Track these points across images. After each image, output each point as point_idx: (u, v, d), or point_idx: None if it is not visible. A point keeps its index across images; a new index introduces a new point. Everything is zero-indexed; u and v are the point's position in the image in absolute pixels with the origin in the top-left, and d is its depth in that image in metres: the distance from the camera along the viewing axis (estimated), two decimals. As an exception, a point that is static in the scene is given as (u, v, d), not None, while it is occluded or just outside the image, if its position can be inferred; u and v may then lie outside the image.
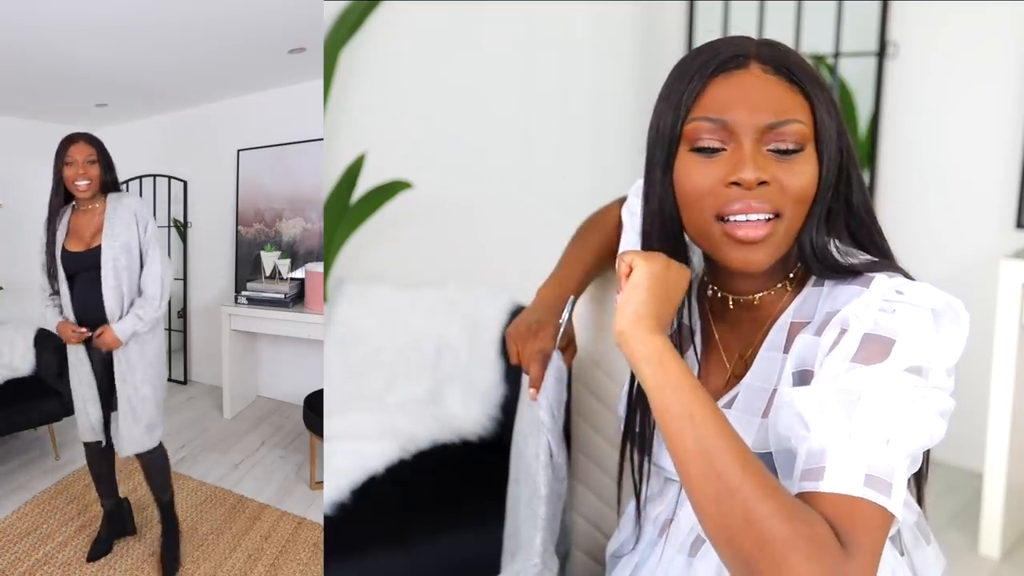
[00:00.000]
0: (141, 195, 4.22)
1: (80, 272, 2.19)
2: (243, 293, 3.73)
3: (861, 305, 0.82)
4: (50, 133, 4.14)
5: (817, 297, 0.90)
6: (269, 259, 3.80)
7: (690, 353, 0.99)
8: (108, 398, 2.27)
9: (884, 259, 0.90)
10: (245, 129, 4.03)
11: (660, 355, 0.80)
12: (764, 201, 0.84)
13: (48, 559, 2.37)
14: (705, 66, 0.87)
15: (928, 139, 2.87)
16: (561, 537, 1.11)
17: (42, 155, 4.05)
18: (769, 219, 0.85)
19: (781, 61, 0.87)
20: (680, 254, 0.93)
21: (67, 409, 3.08)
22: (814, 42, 3.02)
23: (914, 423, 0.76)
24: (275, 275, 3.79)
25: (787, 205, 0.85)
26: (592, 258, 1.21)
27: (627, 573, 1.03)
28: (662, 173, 0.90)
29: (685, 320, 1.00)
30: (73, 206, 2.25)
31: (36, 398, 3.08)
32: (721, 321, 0.98)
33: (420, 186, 2.70)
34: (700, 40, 3.33)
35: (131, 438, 2.22)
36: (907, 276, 0.86)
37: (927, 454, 0.92)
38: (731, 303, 0.96)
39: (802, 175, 0.85)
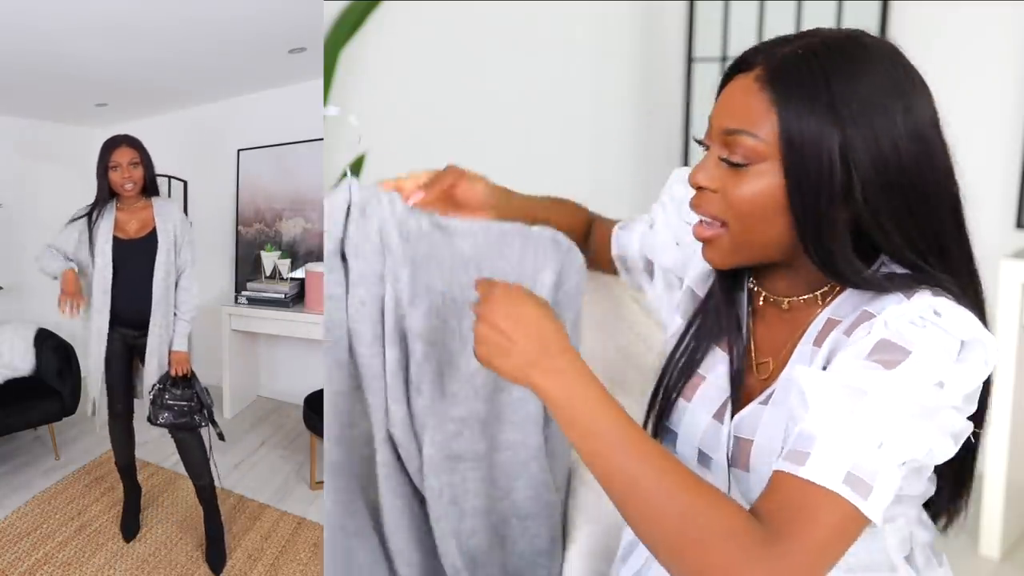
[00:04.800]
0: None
1: (128, 262, 2.31)
2: (243, 293, 3.73)
3: (895, 313, 0.80)
4: (50, 133, 4.16)
5: (859, 298, 0.87)
6: (269, 259, 3.80)
7: (722, 345, 0.97)
8: (131, 386, 2.41)
9: (938, 274, 0.84)
10: (245, 129, 4.02)
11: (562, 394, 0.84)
12: (709, 206, 0.87)
13: (48, 559, 2.37)
14: (730, 65, 0.89)
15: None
16: None
17: (42, 155, 4.07)
18: (717, 224, 0.87)
19: (780, 66, 0.82)
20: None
21: (67, 409, 3.08)
22: (814, 42, 3.01)
23: (914, 434, 0.75)
24: (275, 275, 3.79)
25: (730, 216, 0.86)
26: (543, 207, 1.23)
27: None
28: None
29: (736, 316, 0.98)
30: (114, 203, 2.36)
31: (36, 398, 3.07)
32: (758, 319, 0.97)
33: (420, 186, 2.70)
34: (700, 40, 3.34)
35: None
36: (954, 297, 0.82)
37: (974, 479, 0.93)
38: (762, 301, 0.95)
39: (746, 190, 0.84)
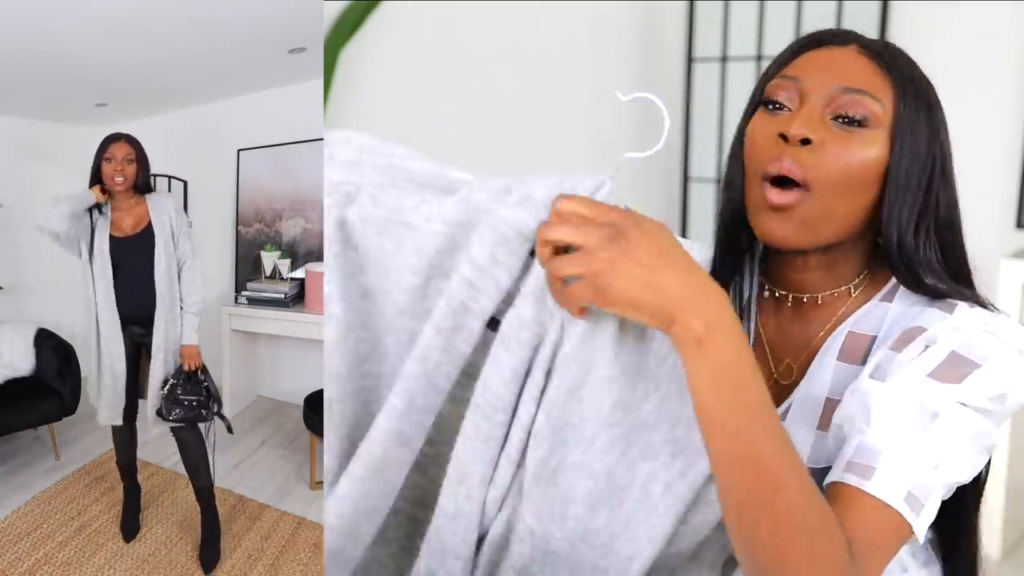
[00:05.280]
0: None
1: (127, 259, 2.32)
2: (243, 293, 3.73)
3: (949, 327, 0.79)
4: (50, 133, 4.16)
5: (884, 312, 0.85)
6: (269, 259, 3.80)
7: None
8: (135, 385, 2.41)
9: (966, 287, 0.85)
10: (245, 129, 4.03)
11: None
12: (800, 164, 0.79)
13: (48, 559, 2.37)
14: (805, 38, 0.87)
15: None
16: None
17: (42, 155, 4.07)
18: (798, 189, 0.80)
19: (882, 48, 0.84)
20: (738, 227, 0.88)
21: (67, 409, 3.08)
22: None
23: (965, 457, 0.76)
24: (275, 275, 3.79)
25: (821, 178, 0.79)
26: None
27: None
28: (740, 130, 0.88)
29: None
30: (109, 204, 2.37)
31: (36, 398, 3.08)
32: (770, 322, 0.92)
33: (420, 186, 2.70)
34: (700, 40, 3.34)
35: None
36: (986, 307, 0.83)
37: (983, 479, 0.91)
38: (789, 302, 0.90)
39: (857, 152, 0.80)
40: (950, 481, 0.76)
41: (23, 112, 3.95)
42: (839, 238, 0.84)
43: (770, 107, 0.85)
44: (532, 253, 0.75)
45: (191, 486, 2.44)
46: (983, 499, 0.93)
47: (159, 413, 2.33)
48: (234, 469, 3.15)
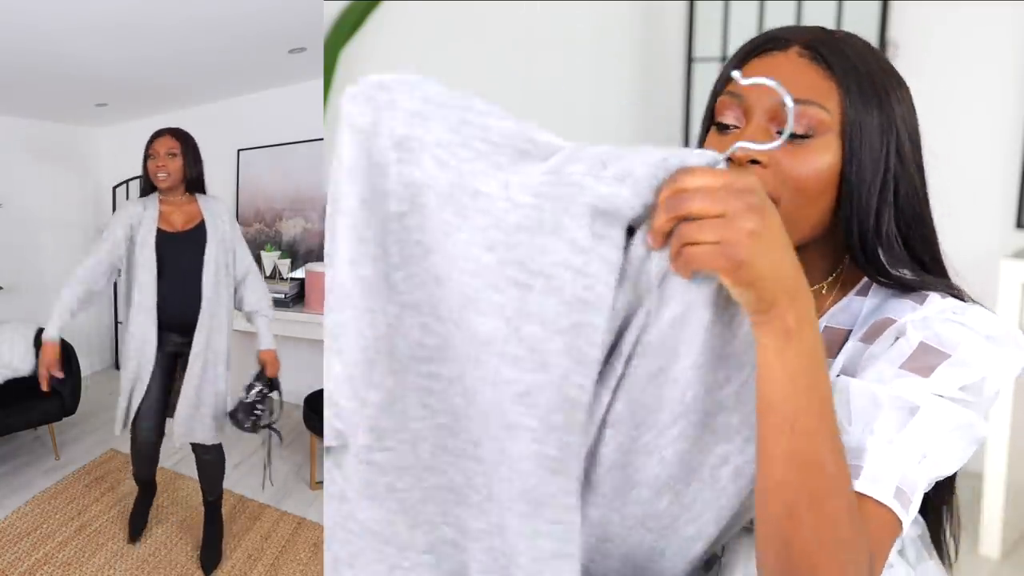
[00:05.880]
0: (141, 195, 4.22)
1: (174, 257, 2.18)
2: (243, 293, 3.73)
3: (919, 317, 0.79)
4: (50, 133, 4.16)
5: (860, 306, 0.86)
6: (269, 259, 3.80)
7: None
8: (166, 399, 2.28)
9: (938, 276, 0.86)
10: (245, 129, 4.02)
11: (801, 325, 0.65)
12: None
13: (48, 559, 2.37)
14: (746, 46, 0.86)
15: (928, 138, 2.87)
16: None
17: (42, 155, 4.07)
18: None
19: (823, 48, 0.82)
20: None
21: (67, 409, 3.08)
22: (814, 42, 3.02)
23: (950, 448, 0.76)
24: (275, 275, 3.79)
25: (783, 191, 0.79)
26: None
27: None
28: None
29: None
30: (157, 195, 2.24)
31: (36, 398, 3.07)
32: None
33: (420, 186, 2.70)
34: (700, 40, 3.34)
35: (203, 427, 2.25)
36: (960, 297, 0.83)
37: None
38: None
39: (808, 164, 0.80)
40: (935, 474, 0.76)
41: (23, 112, 3.95)
42: (804, 240, 0.83)
43: (720, 128, 0.84)
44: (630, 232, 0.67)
45: (200, 495, 2.40)
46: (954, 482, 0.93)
47: (235, 420, 2.23)
48: (234, 469, 3.15)
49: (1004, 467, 2.35)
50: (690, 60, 3.36)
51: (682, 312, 0.67)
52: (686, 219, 0.63)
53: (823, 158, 0.80)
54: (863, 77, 0.82)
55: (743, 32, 3.21)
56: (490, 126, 0.69)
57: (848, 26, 3.00)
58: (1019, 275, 2.30)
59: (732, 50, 3.39)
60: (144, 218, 2.18)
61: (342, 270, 0.73)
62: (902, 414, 0.74)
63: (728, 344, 0.71)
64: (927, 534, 0.94)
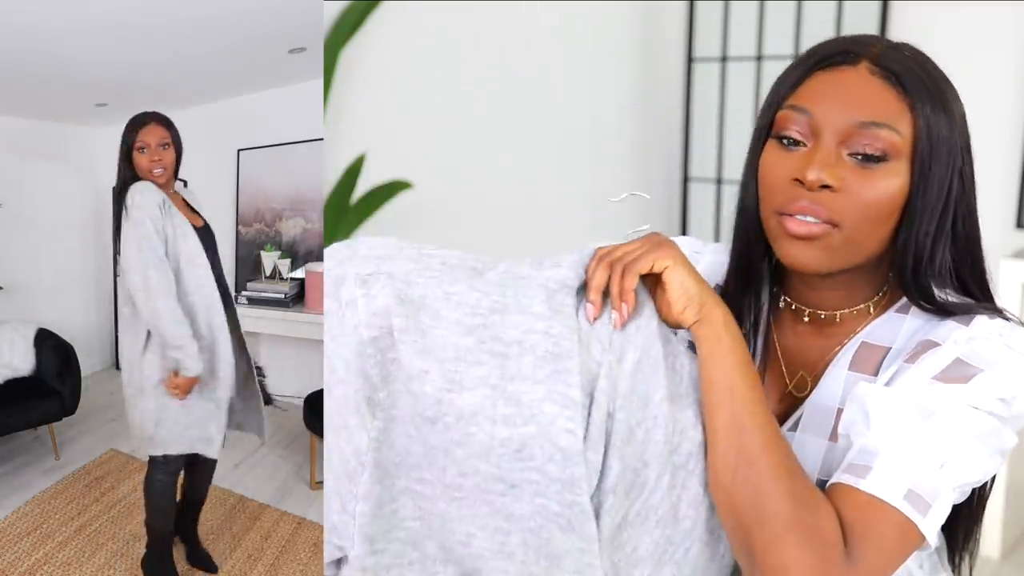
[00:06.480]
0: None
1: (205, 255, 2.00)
2: (243, 293, 3.73)
3: (964, 338, 0.79)
4: (50, 133, 4.15)
5: (899, 323, 0.85)
6: (269, 259, 3.80)
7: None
8: None
9: (984, 299, 0.85)
10: (245, 129, 4.03)
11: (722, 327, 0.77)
12: (822, 206, 0.78)
13: (48, 559, 2.37)
14: (812, 56, 0.84)
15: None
16: None
17: (42, 155, 4.07)
18: (825, 224, 0.79)
19: (895, 65, 0.80)
20: (754, 250, 0.89)
21: (67, 409, 3.09)
22: (814, 42, 3.02)
23: (975, 457, 0.75)
24: (275, 275, 3.79)
25: (850, 217, 0.78)
26: None
27: None
28: (751, 159, 0.87)
29: (747, 327, 0.93)
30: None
31: (36, 398, 3.07)
32: (786, 335, 0.92)
33: (420, 186, 2.70)
34: (700, 40, 3.34)
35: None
36: (1006, 318, 0.83)
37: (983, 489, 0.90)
38: (807, 316, 0.89)
39: (879, 189, 0.78)
40: (960, 482, 0.75)
41: (23, 112, 3.95)
42: (862, 262, 0.83)
43: (783, 141, 0.82)
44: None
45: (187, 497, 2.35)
46: (985, 505, 0.93)
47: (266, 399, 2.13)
48: (234, 469, 3.15)
49: (1004, 467, 2.36)
50: (690, 60, 3.36)
51: (640, 356, 0.76)
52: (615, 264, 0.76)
53: (893, 183, 0.79)
54: (935, 99, 0.80)
55: (743, 32, 3.21)
56: (444, 255, 0.82)
57: (848, 26, 3.01)
58: (1019, 275, 2.30)
59: (732, 50, 3.36)
60: (171, 215, 1.99)
61: (331, 395, 0.82)
62: (919, 419, 0.74)
63: (679, 385, 0.80)
64: (944, 548, 0.93)
